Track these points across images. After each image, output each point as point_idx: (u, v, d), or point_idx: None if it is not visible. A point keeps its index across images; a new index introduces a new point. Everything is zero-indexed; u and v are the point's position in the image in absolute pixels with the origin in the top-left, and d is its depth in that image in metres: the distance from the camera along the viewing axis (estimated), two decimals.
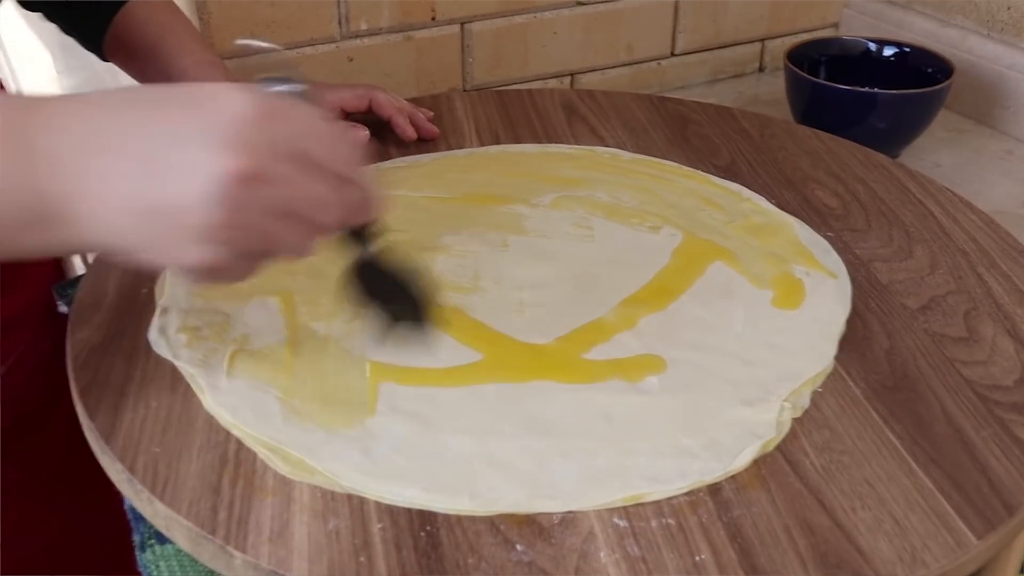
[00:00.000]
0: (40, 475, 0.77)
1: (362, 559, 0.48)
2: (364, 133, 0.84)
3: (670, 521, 0.51)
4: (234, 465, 0.54)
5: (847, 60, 1.08)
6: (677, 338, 0.63)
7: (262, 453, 0.54)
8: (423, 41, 1.08)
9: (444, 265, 0.70)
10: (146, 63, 0.83)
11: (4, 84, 0.77)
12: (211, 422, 0.57)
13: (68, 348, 0.62)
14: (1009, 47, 1.10)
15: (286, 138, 0.45)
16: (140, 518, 0.55)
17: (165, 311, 0.65)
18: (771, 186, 0.82)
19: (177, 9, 0.85)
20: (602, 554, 0.49)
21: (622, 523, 0.50)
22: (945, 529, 0.50)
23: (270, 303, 0.65)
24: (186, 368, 0.60)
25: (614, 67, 1.20)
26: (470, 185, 0.81)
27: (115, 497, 0.56)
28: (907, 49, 1.07)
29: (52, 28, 0.84)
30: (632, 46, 1.20)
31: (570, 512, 0.51)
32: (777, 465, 0.54)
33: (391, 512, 0.51)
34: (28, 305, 0.76)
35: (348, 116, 0.88)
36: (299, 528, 0.50)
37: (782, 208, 0.78)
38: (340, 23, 1.03)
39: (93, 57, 0.84)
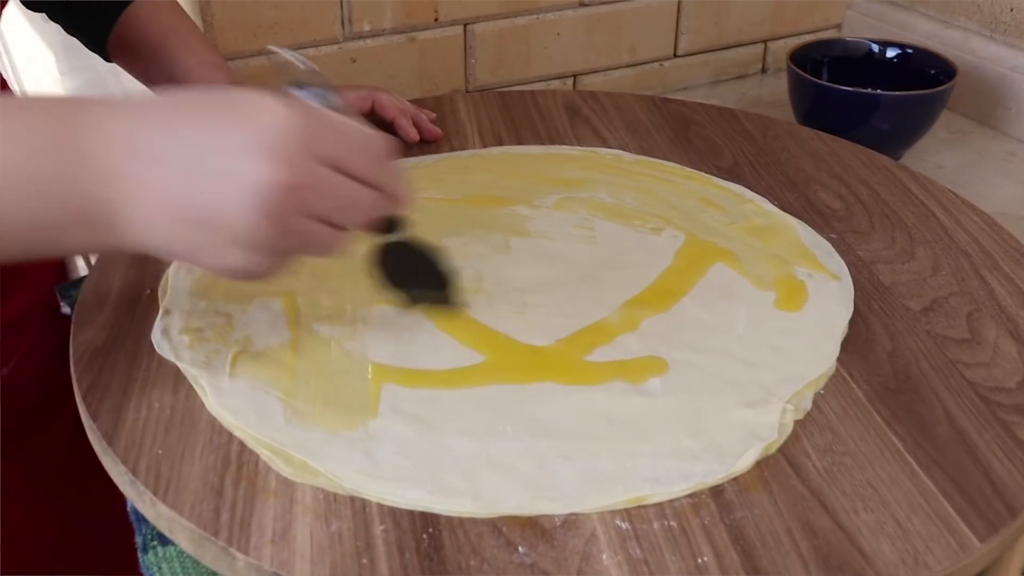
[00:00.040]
0: (42, 476, 0.77)
1: (364, 561, 0.48)
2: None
3: (672, 523, 0.51)
4: (236, 467, 0.54)
5: (850, 61, 1.08)
6: (679, 340, 0.63)
7: (264, 455, 0.54)
8: (426, 42, 1.08)
9: None
10: (150, 64, 0.83)
11: (7, 85, 0.77)
12: (213, 423, 0.57)
13: (71, 349, 0.62)
14: (1012, 48, 1.10)
15: (323, 147, 0.47)
16: (142, 519, 0.55)
17: (168, 312, 0.65)
18: (773, 187, 0.82)
19: (181, 10, 0.85)
20: (604, 556, 0.49)
21: (624, 525, 0.50)
22: (948, 531, 0.50)
23: (273, 304, 0.65)
24: (189, 369, 0.60)
25: (617, 68, 1.20)
26: (472, 186, 0.81)
27: (117, 498, 0.56)
28: (910, 50, 1.07)
29: (55, 28, 0.84)
30: (635, 47, 1.20)
31: (572, 514, 0.51)
32: (779, 467, 0.54)
33: (393, 514, 0.51)
34: (31, 306, 0.76)
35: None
36: (301, 530, 0.50)
37: (784, 210, 0.78)
38: (343, 24, 1.04)
39: (96, 58, 0.84)
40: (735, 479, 0.53)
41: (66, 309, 0.74)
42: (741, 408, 0.58)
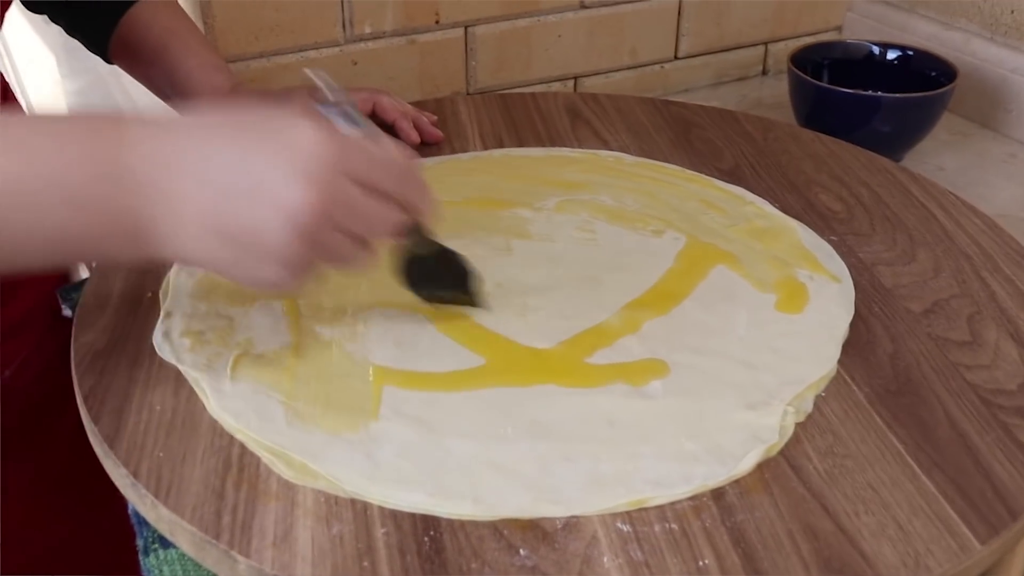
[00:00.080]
0: (44, 479, 0.77)
1: (365, 564, 0.48)
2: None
3: (673, 526, 0.51)
4: (238, 469, 0.54)
5: (850, 63, 1.08)
6: (680, 342, 0.63)
7: (266, 457, 0.54)
8: (427, 45, 1.08)
9: None
10: (151, 66, 0.83)
11: (8, 86, 0.77)
12: (215, 426, 0.57)
13: (72, 352, 0.62)
14: (1013, 50, 1.10)
15: (353, 168, 0.50)
16: (144, 522, 0.55)
17: (169, 315, 0.65)
18: (774, 190, 0.82)
19: (182, 12, 0.85)
20: (605, 559, 0.49)
21: (625, 528, 0.50)
22: (949, 534, 0.50)
23: (274, 307, 0.65)
24: (190, 372, 0.60)
25: (618, 70, 1.20)
26: (473, 188, 0.81)
27: (119, 501, 0.56)
28: (910, 52, 1.07)
29: (56, 30, 0.84)
30: (636, 49, 1.20)
31: (573, 517, 0.51)
32: (780, 469, 0.54)
33: (394, 517, 0.51)
34: (32, 309, 0.76)
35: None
36: (303, 533, 0.50)
37: (785, 212, 0.78)
38: (344, 27, 1.04)
39: (97, 60, 0.85)
40: (736, 481, 0.53)
41: (67, 312, 0.74)
42: (742, 410, 0.58)
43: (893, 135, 1.00)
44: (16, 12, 0.79)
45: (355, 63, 1.06)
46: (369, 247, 0.53)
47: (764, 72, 1.30)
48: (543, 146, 0.89)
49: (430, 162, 0.86)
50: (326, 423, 0.56)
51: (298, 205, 0.48)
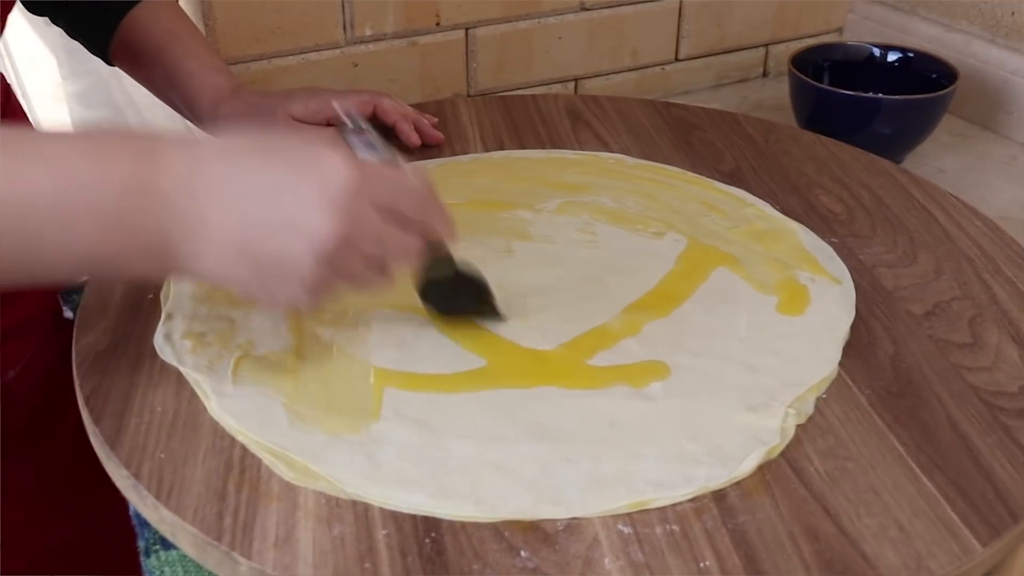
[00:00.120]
0: (45, 480, 0.77)
1: (367, 565, 0.48)
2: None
3: (674, 527, 0.51)
4: (239, 471, 0.54)
5: (851, 65, 1.08)
6: (681, 344, 0.63)
7: (267, 459, 0.54)
8: (428, 47, 1.08)
9: None
10: (152, 68, 0.83)
11: (9, 88, 0.77)
12: (216, 428, 0.57)
13: (73, 353, 0.62)
14: (1013, 52, 1.10)
15: (380, 200, 0.52)
16: (145, 524, 0.55)
17: (170, 317, 0.65)
18: (775, 191, 0.82)
19: (183, 14, 0.86)
20: (606, 560, 0.49)
21: (626, 529, 0.50)
22: (950, 536, 0.50)
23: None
24: (191, 374, 0.60)
25: (618, 72, 1.20)
26: (474, 191, 0.81)
27: (120, 503, 0.56)
28: (911, 54, 1.07)
29: (57, 32, 0.84)
30: (636, 51, 1.20)
31: (575, 518, 0.51)
32: (781, 471, 0.54)
33: (396, 518, 0.51)
34: (35, 310, 0.76)
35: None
36: (304, 534, 0.50)
37: (786, 214, 0.78)
38: (345, 29, 1.04)
39: (98, 61, 0.85)
40: (737, 483, 0.53)
41: (69, 313, 0.74)
42: (743, 412, 0.58)
43: (894, 137, 1.00)
44: (17, 14, 0.79)
45: (356, 65, 1.06)
46: (388, 271, 0.54)
47: (765, 74, 1.30)
48: (544, 148, 0.89)
49: (431, 164, 0.86)
50: (327, 425, 0.56)
51: (325, 234, 0.49)
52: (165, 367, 0.61)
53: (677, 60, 1.23)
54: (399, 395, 0.59)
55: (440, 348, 0.62)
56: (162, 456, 0.55)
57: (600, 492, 0.52)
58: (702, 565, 0.49)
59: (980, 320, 0.66)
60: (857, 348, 0.64)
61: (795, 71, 1.02)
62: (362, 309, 0.65)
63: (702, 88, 1.26)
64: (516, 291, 0.68)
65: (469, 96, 1.13)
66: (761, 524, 0.51)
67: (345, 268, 0.51)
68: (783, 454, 0.55)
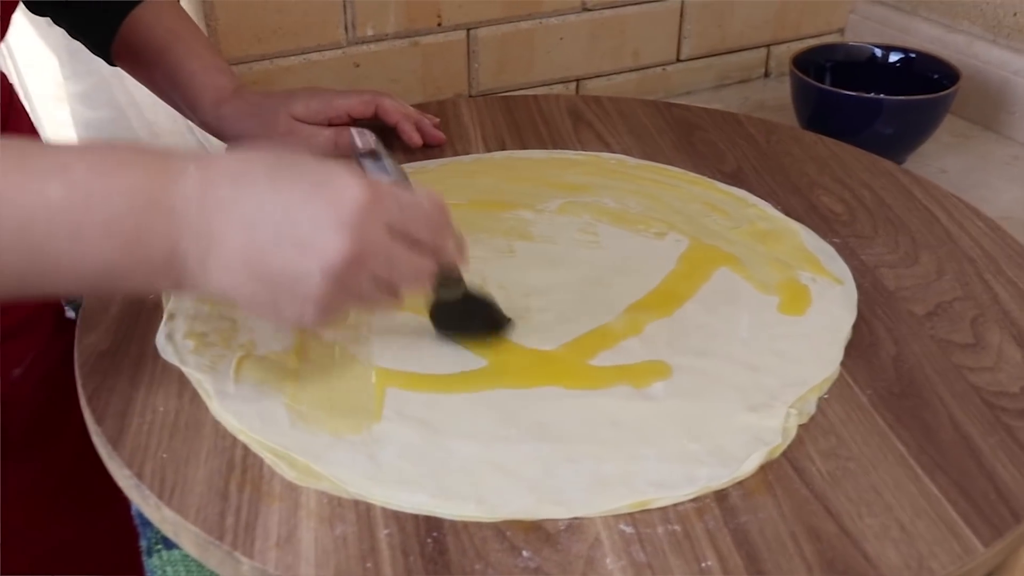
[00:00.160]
0: (48, 479, 0.77)
1: (369, 565, 0.49)
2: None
3: (676, 527, 0.51)
4: (241, 471, 0.54)
5: (853, 66, 1.08)
6: (683, 344, 0.63)
7: (269, 459, 0.54)
8: (429, 47, 1.08)
9: None
10: (154, 68, 0.83)
11: (12, 88, 0.77)
12: (218, 427, 0.57)
13: (75, 353, 0.62)
14: (1015, 52, 1.10)
15: (392, 220, 0.52)
16: (147, 523, 0.55)
17: (172, 317, 0.65)
18: (777, 192, 0.82)
19: (184, 14, 0.86)
20: (608, 560, 0.49)
21: (628, 529, 0.50)
22: (952, 536, 0.50)
23: None
24: (193, 374, 0.60)
25: (620, 73, 1.20)
26: (476, 191, 0.81)
27: (122, 502, 0.56)
28: (913, 55, 1.07)
29: (59, 33, 0.84)
30: (638, 52, 1.20)
31: (576, 518, 0.51)
32: (783, 471, 0.54)
33: (397, 518, 0.51)
34: (38, 310, 0.76)
35: (355, 122, 0.88)
36: (306, 534, 0.50)
37: (788, 214, 0.78)
38: (347, 29, 1.04)
39: (100, 62, 0.85)
40: (739, 483, 0.53)
41: (70, 313, 0.74)
42: (745, 412, 0.58)
43: (895, 137, 1.00)
44: (19, 15, 0.79)
45: (357, 65, 1.06)
46: (397, 292, 0.54)
47: (766, 74, 1.30)
48: (545, 148, 0.89)
49: (432, 164, 0.86)
50: (329, 425, 0.56)
51: (335, 252, 0.49)
52: (167, 367, 0.61)
53: (678, 60, 1.23)
54: (401, 395, 0.59)
55: (442, 348, 0.62)
56: (164, 456, 0.55)
57: (602, 492, 0.52)
58: (704, 565, 0.49)
59: (982, 320, 0.66)
60: (859, 348, 0.64)
61: (797, 71, 1.02)
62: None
63: (703, 88, 1.26)
64: (518, 291, 0.68)
65: (470, 96, 1.13)
66: (763, 524, 0.51)
67: (354, 287, 0.51)
68: (785, 454, 0.55)
